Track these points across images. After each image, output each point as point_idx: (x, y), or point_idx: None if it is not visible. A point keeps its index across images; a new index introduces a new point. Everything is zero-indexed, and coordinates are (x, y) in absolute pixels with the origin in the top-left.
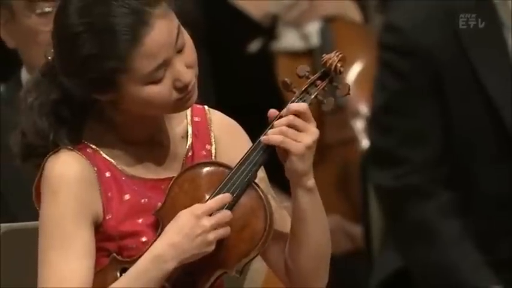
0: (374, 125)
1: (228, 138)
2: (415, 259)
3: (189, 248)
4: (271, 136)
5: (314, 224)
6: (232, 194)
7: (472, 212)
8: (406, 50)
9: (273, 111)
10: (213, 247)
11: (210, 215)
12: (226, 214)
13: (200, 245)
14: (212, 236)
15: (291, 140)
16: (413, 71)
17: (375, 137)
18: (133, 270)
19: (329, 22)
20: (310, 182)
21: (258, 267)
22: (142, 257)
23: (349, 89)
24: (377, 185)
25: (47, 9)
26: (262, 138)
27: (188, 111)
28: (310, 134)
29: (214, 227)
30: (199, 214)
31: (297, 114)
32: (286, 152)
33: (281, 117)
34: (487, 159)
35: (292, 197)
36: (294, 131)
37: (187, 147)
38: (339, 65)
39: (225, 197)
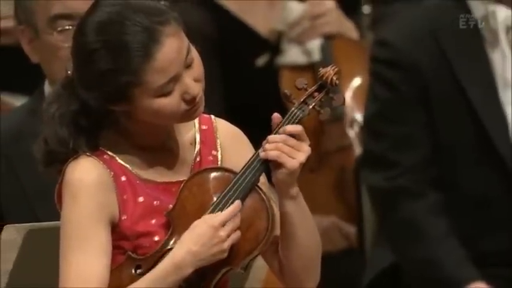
0: (367, 131)
1: (233, 145)
2: (404, 255)
3: (206, 256)
4: (269, 152)
5: (301, 227)
6: (237, 196)
7: (457, 211)
8: (396, 63)
9: (277, 115)
10: (226, 254)
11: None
12: (236, 220)
13: (216, 253)
14: (227, 244)
15: (286, 156)
16: (402, 82)
17: (368, 142)
18: (152, 275)
19: (329, 39)
20: (295, 190)
21: (261, 264)
22: (162, 264)
23: (344, 100)
24: (370, 186)
25: (68, 27)
26: (261, 154)
27: (196, 120)
28: (304, 152)
29: (229, 236)
30: (217, 226)
31: (293, 135)
32: (280, 166)
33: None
34: (471, 163)
35: (279, 204)
36: (289, 148)
37: (195, 153)
38: (334, 78)
39: (236, 206)
